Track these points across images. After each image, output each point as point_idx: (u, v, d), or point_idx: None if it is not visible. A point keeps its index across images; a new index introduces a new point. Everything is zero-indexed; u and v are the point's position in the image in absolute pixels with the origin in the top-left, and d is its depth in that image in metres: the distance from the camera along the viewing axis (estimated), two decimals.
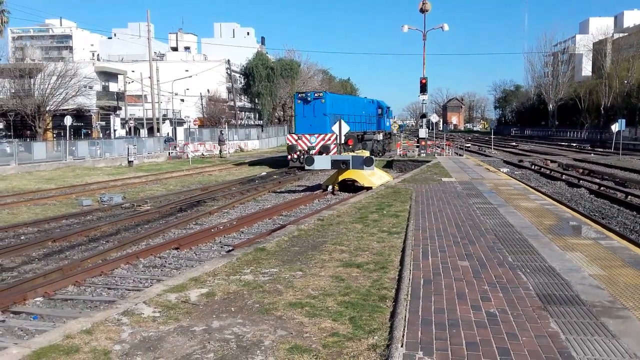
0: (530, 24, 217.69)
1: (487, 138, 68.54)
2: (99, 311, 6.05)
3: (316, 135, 29.63)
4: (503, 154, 44.79)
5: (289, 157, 30.27)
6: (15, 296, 7.82)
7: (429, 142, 39.43)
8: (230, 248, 10.75)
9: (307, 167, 21.48)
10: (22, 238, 12.64)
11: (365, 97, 44.58)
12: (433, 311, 5.56)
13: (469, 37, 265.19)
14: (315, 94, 31.04)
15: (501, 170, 26.99)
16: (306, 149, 29.48)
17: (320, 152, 28.07)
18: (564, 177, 26.42)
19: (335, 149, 28.44)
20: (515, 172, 28.95)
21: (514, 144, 62.46)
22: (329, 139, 29.31)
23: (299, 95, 31.58)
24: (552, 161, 34.81)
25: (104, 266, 9.52)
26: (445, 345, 4.71)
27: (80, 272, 9.09)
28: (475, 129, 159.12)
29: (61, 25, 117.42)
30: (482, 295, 6.09)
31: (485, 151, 47.75)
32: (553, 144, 61.04)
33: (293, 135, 30.85)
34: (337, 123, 25.67)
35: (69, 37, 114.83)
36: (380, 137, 40.99)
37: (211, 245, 11.59)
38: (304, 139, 29.79)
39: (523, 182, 21.09)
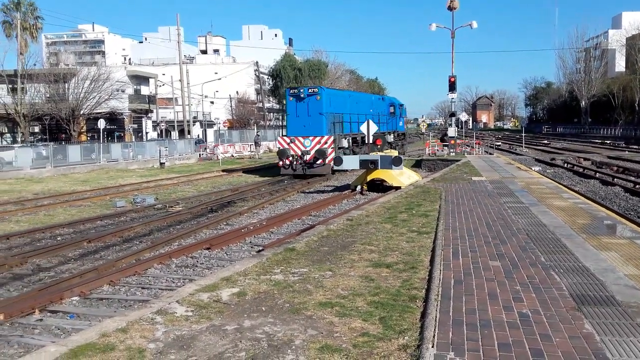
0: (561, 20, 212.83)
1: (518, 136, 67.48)
2: (134, 310, 6.19)
3: (311, 138, 25.81)
4: (534, 152, 44.09)
5: (280, 163, 26.34)
6: (53, 295, 8.03)
7: (458, 141, 39.05)
8: (261, 248, 10.84)
9: (335, 168, 21.48)
10: (58, 239, 12.96)
11: (374, 94, 42.57)
12: (464, 311, 5.53)
13: (499, 34, 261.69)
14: (310, 90, 26.63)
15: (533, 168, 26.56)
16: (300, 153, 25.84)
17: (315, 158, 25.45)
18: (597, 175, 25.87)
19: (333, 154, 24.94)
20: (548, 171, 28.47)
21: (545, 141, 61.35)
22: (325, 142, 25.75)
23: (291, 92, 27.01)
24: (585, 159, 34.08)
25: (138, 266, 9.70)
26: (477, 346, 4.68)
27: (114, 272, 9.28)
28: (505, 127, 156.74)
29: (93, 30, 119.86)
30: (514, 296, 6.02)
31: (516, 149, 47.05)
32: (586, 142, 59.72)
33: (284, 137, 26.76)
34: (366, 123, 25.44)
35: (102, 42, 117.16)
36: (391, 138, 37.18)
37: (242, 245, 11.71)
38: (297, 142, 25.95)
39: (555, 181, 20.73)
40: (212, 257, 10.70)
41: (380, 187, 19.48)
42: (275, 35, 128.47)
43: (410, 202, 13.85)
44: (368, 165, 19.22)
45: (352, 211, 13.34)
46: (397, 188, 18.30)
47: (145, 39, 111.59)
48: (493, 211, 11.98)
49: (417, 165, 31.71)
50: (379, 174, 19.39)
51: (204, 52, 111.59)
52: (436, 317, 5.35)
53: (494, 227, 10.05)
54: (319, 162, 25.42)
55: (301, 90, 26.61)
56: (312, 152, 25.70)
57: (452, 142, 37.09)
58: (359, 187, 19.81)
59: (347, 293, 6.39)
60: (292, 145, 25.95)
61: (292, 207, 17.22)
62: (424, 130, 71.73)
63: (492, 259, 7.67)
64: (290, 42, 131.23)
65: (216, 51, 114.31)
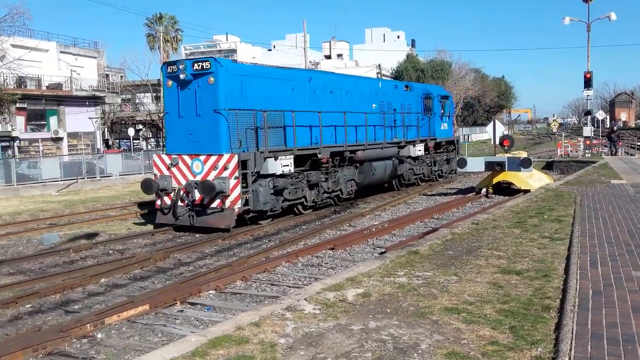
0: None
1: None
2: (265, 305, 6.51)
3: (202, 158, 13.93)
4: None
5: (158, 203, 14.70)
6: (192, 289, 8.67)
7: (594, 141, 36.35)
8: (383, 250, 10.87)
9: (459, 170, 20.88)
10: (196, 236, 13.93)
11: (383, 79, 26.14)
12: (604, 325, 5.17)
13: None
14: (196, 65, 13.91)
15: None
16: (184, 186, 14.20)
17: (203, 199, 13.77)
18: None
19: (238, 187, 13.53)
20: None
21: None
22: (225, 168, 13.60)
23: (168, 69, 14.49)
24: None
25: (267, 263, 10.17)
26: None
27: (246, 269, 9.82)
28: None
29: (227, 40, 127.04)
30: None
31: None
32: None
33: (162, 156, 14.78)
34: (492, 123, 23.95)
35: (234, 51, 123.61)
36: (418, 150, 22.03)
37: (364, 247, 11.83)
38: (181, 164, 14.28)
39: None
40: (336, 257, 10.92)
41: (507, 190, 18.72)
42: (398, 37, 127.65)
43: (541, 206, 13.16)
44: (494, 167, 18.54)
45: (477, 215, 12.95)
46: (526, 191, 17.45)
47: (274, 46, 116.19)
48: (636, 217, 11.04)
49: (547, 167, 30.07)
50: (505, 176, 18.65)
51: (328, 57, 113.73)
52: (573, 329, 5.06)
53: (638, 235, 9.26)
54: (215, 204, 13.77)
55: (181, 67, 14.03)
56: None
57: (588, 142, 34.63)
58: (484, 190, 19.16)
59: (474, 299, 6.25)
60: (173, 170, 14.47)
61: (413, 210, 17.06)
62: (555, 130, 67.68)
63: (636, 269, 7.09)
64: (412, 44, 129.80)
65: (340, 56, 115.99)
